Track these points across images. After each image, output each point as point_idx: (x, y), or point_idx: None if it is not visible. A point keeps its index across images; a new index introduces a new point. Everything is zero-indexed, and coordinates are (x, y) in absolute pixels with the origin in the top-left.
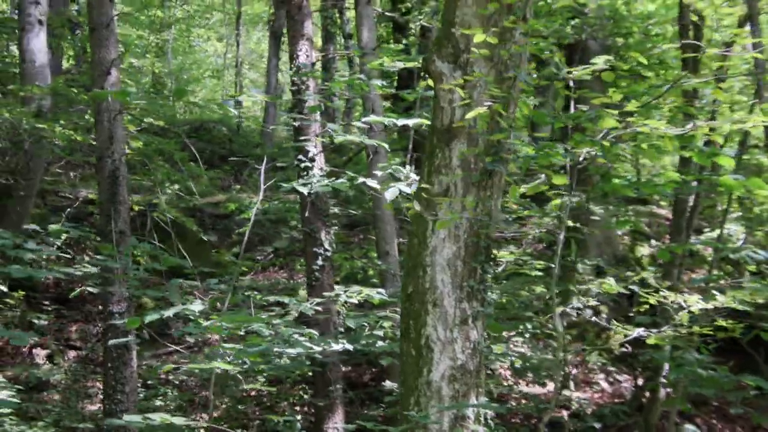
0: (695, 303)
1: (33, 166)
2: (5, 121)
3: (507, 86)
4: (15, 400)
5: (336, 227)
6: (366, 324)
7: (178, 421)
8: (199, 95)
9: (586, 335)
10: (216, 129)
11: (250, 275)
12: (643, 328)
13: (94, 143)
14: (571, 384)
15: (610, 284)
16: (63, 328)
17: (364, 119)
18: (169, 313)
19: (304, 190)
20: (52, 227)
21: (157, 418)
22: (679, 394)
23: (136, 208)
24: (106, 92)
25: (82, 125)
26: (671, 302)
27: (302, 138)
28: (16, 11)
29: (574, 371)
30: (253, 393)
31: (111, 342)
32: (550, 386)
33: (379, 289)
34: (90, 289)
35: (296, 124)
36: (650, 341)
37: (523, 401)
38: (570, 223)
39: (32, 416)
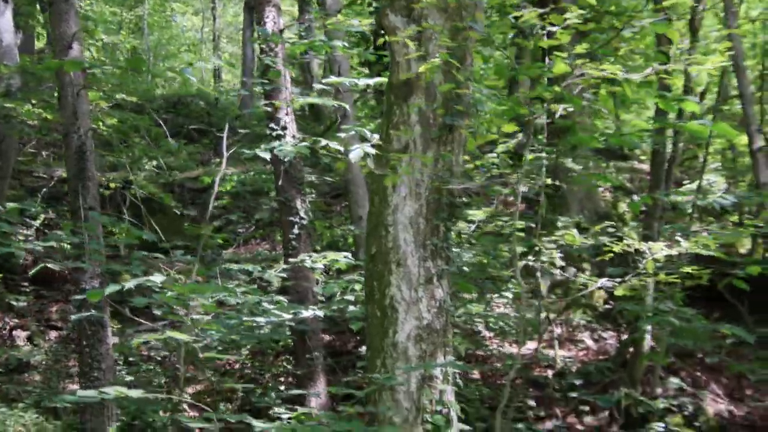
0: (659, 250)
1: (5, 147)
2: None
3: (462, 37)
4: None
5: (313, 196)
6: (336, 289)
7: (134, 393)
8: (177, 70)
9: (569, 293)
10: (194, 103)
11: (232, 249)
12: (606, 279)
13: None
14: (556, 343)
15: (573, 236)
16: (43, 308)
17: (324, 80)
18: (129, 284)
19: (266, 155)
20: (10, 205)
21: (112, 391)
22: (662, 348)
23: (113, 185)
24: (60, 62)
25: (53, 104)
26: (635, 251)
27: (268, 103)
28: None
29: (558, 330)
30: (236, 365)
31: (74, 317)
32: (532, 346)
33: (345, 253)
34: (51, 265)
35: (266, 89)
36: (618, 292)
37: (510, 363)
38: (548, 181)
39: (13, 398)
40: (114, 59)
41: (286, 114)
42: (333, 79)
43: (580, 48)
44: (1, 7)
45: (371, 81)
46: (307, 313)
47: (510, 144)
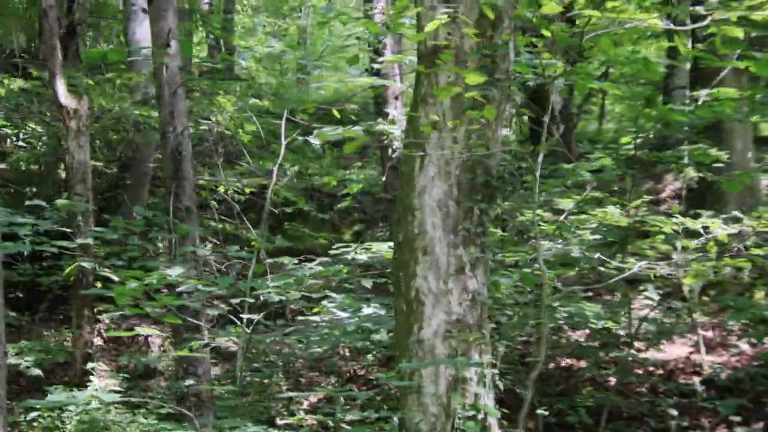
0: (718, 229)
1: (141, 155)
2: (112, 112)
3: None
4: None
5: None
6: None
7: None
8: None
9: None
10: (348, 108)
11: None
12: (644, 262)
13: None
14: (702, 347)
15: (611, 213)
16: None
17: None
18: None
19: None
20: (60, 202)
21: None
22: None
23: (248, 191)
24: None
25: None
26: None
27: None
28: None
29: (708, 333)
30: (361, 372)
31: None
32: (679, 350)
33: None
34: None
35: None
36: (687, 281)
37: (651, 368)
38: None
39: (137, 405)
40: (273, 69)
41: (395, 108)
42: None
43: None
44: (140, 17)
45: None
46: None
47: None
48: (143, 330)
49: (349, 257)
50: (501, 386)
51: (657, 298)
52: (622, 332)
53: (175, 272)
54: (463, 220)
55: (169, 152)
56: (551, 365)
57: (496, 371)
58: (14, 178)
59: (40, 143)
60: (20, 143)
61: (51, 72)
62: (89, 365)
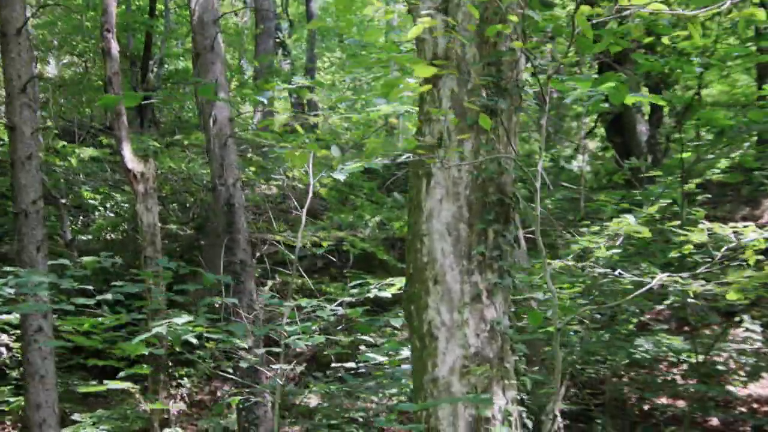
0: (752, 233)
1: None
2: (182, 173)
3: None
4: None
5: None
6: None
7: None
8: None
9: None
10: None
11: None
12: (664, 275)
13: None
14: None
15: (628, 222)
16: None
17: None
18: (160, 328)
19: None
20: (86, 259)
21: None
22: None
23: (325, 244)
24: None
25: (269, 169)
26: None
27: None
28: None
29: None
30: None
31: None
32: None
33: None
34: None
35: None
36: (731, 296)
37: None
38: None
39: None
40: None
41: None
42: None
43: None
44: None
45: None
46: None
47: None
48: (115, 383)
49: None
50: (530, 425)
51: (759, 329)
52: (721, 366)
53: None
54: (476, 244)
55: (221, 205)
56: (646, 406)
57: (523, 409)
58: (100, 247)
59: (121, 210)
60: (109, 213)
61: (117, 138)
62: (166, 431)
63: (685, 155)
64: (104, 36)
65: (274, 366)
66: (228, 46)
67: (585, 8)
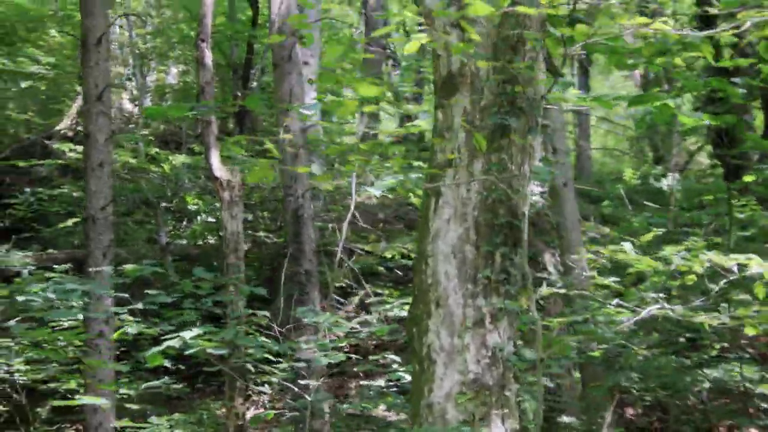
0: (756, 266)
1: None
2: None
3: (515, 19)
4: None
5: None
6: None
7: None
8: None
9: None
10: None
11: None
12: (656, 305)
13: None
14: None
15: (627, 251)
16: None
17: None
18: (173, 343)
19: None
20: (128, 267)
21: None
22: None
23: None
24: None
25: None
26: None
27: None
28: None
29: None
30: None
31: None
32: None
33: None
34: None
35: None
36: (749, 330)
37: None
38: None
39: None
40: None
41: None
42: None
43: None
44: (306, 88)
45: None
46: None
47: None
48: (86, 399)
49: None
50: None
51: None
52: None
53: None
54: (483, 267)
55: (290, 215)
56: None
57: None
58: (198, 252)
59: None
60: (210, 218)
61: (206, 145)
62: None
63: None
64: (198, 46)
65: (302, 381)
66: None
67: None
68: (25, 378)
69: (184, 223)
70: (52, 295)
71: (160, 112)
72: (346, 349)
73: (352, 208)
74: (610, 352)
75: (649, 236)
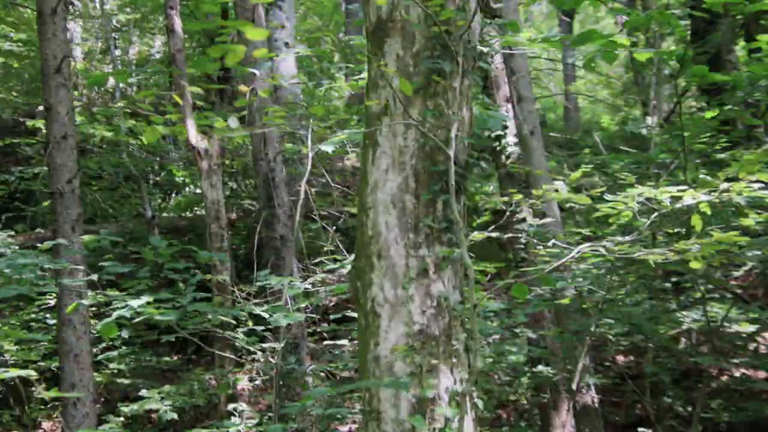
0: (689, 198)
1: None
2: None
3: None
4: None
5: None
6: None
7: None
8: None
9: None
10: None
11: None
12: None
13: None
14: None
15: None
16: None
17: None
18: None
19: None
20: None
21: None
22: None
23: None
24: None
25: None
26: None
27: None
28: None
29: None
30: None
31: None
32: None
33: None
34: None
35: None
36: (694, 264)
37: None
38: None
39: None
40: None
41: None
42: None
43: None
44: (283, 50)
45: None
46: None
47: None
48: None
49: None
50: (480, 405)
51: None
52: None
53: None
54: (424, 215)
55: (261, 180)
56: (724, 377)
57: (473, 388)
58: (185, 225)
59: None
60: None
61: (182, 115)
62: (231, 406)
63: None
64: (168, 14)
65: (264, 345)
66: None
67: None
68: (15, 358)
69: (173, 195)
70: (7, 270)
71: (100, 78)
72: (308, 310)
73: (309, 166)
74: (577, 297)
75: (578, 174)
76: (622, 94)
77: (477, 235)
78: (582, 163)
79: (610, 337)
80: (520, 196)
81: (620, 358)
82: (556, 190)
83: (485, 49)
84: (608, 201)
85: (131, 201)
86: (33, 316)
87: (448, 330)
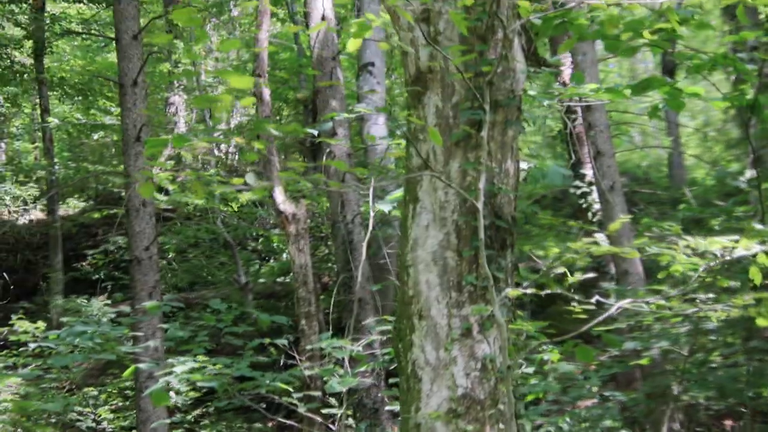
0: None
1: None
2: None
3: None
4: None
5: None
6: None
7: None
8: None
9: None
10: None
11: None
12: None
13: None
14: None
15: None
16: None
17: None
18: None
19: None
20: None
21: None
22: None
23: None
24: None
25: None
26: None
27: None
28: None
29: None
30: None
31: None
32: None
33: None
34: None
35: None
36: (761, 322)
37: None
38: None
39: None
40: None
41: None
42: None
43: None
44: (374, 117)
45: None
46: None
47: None
48: None
49: None
50: None
51: None
52: None
53: None
54: (467, 273)
55: (339, 242)
56: None
57: None
58: (281, 290)
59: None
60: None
61: (270, 180)
62: None
63: None
64: (256, 81)
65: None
66: None
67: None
68: (113, 427)
69: (270, 261)
70: (68, 339)
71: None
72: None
73: (371, 226)
74: (658, 358)
75: (617, 225)
76: (729, 149)
77: (512, 292)
78: (676, 219)
79: (701, 400)
80: (556, 250)
81: (728, 423)
82: (596, 242)
83: (546, 102)
84: (651, 251)
85: (228, 268)
86: (128, 383)
87: (495, 394)
